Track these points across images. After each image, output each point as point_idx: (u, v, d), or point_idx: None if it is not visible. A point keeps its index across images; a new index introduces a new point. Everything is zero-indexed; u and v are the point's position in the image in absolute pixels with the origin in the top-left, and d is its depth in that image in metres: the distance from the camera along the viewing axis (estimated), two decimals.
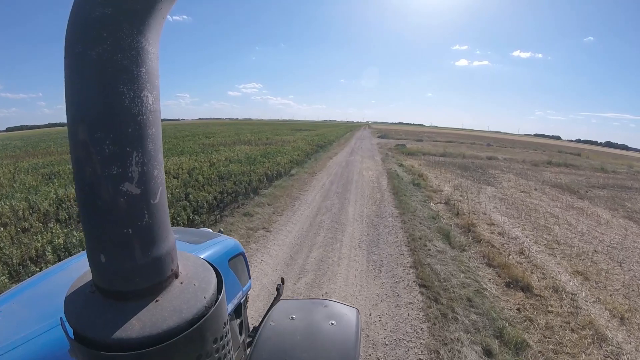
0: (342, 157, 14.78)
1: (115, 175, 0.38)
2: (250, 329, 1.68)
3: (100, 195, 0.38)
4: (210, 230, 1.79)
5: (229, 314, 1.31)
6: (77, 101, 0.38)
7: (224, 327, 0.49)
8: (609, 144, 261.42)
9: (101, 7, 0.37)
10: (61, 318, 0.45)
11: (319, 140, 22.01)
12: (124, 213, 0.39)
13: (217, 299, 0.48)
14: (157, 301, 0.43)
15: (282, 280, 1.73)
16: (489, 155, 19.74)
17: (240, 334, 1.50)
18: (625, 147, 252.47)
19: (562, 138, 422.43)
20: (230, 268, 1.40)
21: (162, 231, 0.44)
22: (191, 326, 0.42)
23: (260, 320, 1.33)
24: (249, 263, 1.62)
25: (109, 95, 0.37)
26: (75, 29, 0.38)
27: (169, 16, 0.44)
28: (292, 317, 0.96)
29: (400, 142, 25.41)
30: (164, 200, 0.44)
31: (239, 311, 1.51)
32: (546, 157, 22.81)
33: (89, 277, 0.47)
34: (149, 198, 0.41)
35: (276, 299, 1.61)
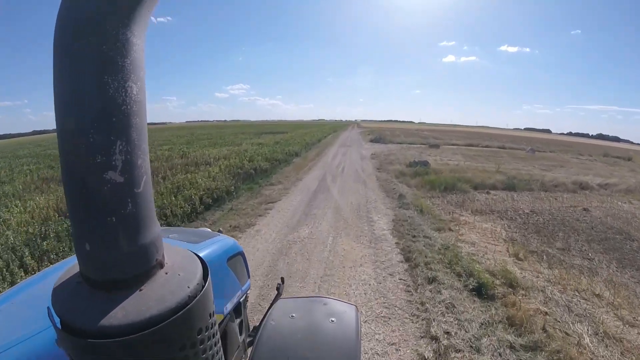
0: (271, 243, 4.90)
1: (99, 164, 0.38)
2: (251, 329, 1.68)
3: (85, 183, 0.39)
4: (209, 229, 1.80)
5: (228, 313, 1.33)
6: (63, 92, 0.38)
7: (209, 318, 0.48)
8: (600, 137, 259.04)
9: (89, 2, 0.37)
10: (48, 308, 0.44)
11: (271, 153, 12.37)
12: (107, 201, 0.39)
13: (202, 289, 0.48)
14: (141, 290, 0.43)
15: (282, 279, 1.74)
16: (575, 180, 10.42)
17: (240, 334, 1.50)
18: (616, 139, 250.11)
19: (552, 131, 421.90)
20: (230, 267, 1.39)
21: (147, 220, 0.43)
22: (174, 315, 0.42)
23: (259, 320, 1.38)
24: (248, 263, 1.62)
25: (94, 86, 0.37)
26: (63, 23, 0.38)
27: (152, 18, 0.44)
28: (292, 316, 0.94)
29: (412, 153, 15.86)
30: (148, 190, 0.44)
31: (238, 311, 1.49)
32: (617, 169, 15.67)
33: (77, 268, 0.46)
34: (133, 187, 0.41)
35: (276, 299, 1.60)
